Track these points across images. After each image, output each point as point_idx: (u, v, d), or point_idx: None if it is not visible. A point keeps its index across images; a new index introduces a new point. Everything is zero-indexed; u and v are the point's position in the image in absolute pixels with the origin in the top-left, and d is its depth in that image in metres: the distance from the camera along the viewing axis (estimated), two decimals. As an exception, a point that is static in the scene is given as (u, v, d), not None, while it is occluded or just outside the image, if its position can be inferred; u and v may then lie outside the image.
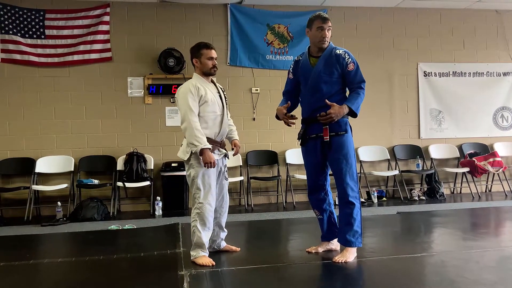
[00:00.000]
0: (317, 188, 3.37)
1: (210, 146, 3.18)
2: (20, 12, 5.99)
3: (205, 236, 3.24)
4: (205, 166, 3.17)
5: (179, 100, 3.26)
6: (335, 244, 3.44)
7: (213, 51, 3.34)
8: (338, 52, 3.21)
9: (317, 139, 3.25)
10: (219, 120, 3.32)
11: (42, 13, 6.03)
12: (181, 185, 5.91)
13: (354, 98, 3.21)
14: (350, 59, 3.19)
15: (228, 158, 3.46)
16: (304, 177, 6.07)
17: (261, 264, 3.20)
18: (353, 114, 3.19)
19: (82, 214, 5.37)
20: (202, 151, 3.14)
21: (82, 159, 6.02)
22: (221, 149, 3.35)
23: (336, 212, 3.41)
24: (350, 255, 3.18)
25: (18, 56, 5.98)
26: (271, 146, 6.54)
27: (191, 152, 3.20)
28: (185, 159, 3.26)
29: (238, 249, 3.55)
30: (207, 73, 3.35)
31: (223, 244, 3.52)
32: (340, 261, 3.13)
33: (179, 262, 3.29)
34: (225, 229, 3.50)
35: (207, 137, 3.24)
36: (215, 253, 3.45)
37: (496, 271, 2.98)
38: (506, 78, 7.18)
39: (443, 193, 6.48)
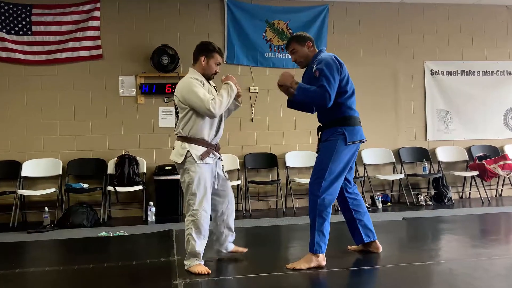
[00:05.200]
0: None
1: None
2: (6, 7, 5.98)
3: (200, 245, 3.24)
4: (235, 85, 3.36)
5: (185, 94, 3.25)
6: (372, 246, 3.58)
7: (221, 58, 3.44)
8: (313, 66, 3.34)
9: None
10: (217, 123, 3.36)
11: (29, 8, 6.03)
12: (175, 189, 5.90)
13: (309, 86, 3.29)
14: (315, 68, 3.28)
15: (222, 160, 3.48)
16: (304, 181, 6.12)
17: (259, 273, 3.21)
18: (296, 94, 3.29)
19: (71, 220, 5.36)
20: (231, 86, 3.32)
21: (70, 162, 6.02)
22: (215, 152, 3.36)
23: (364, 219, 3.54)
24: (303, 262, 3.23)
25: (3, 54, 5.97)
26: (270, 149, 6.54)
27: (186, 155, 3.23)
28: (179, 162, 3.27)
29: (246, 249, 3.63)
30: (206, 76, 3.39)
31: (231, 246, 3.58)
32: (290, 268, 3.22)
33: (173, 271, 3.29)
34: (233, 231, 3.55)
35: (202, 139, 3.27)
36: (211, 260, 3.46)
37: (507, 280, 2.99)
38: (517, 77, 7.21)
39: (451, 198, 6.49)
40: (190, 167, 3.23)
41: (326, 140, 3.34)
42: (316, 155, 3.43)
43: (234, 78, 3.40)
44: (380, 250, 3.59)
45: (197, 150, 3.24)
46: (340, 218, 3.89)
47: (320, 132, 3.48)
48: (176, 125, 3.41)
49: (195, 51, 3.39)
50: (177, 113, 3.43)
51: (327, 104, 3.21)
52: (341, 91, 3.30)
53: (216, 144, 3.39)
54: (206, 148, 3.27)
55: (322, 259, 3.24)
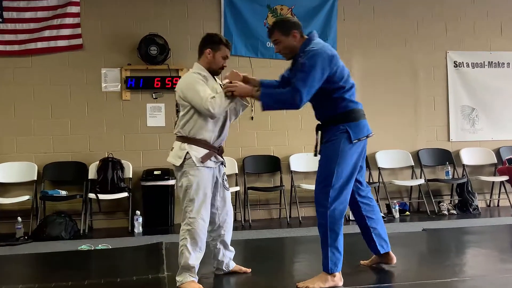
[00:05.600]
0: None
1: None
2: (-26, -9, 6.00)
3: (195, 259, 3.24)
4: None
5: (185, 90, 3.29)
6: (386, 258, 3.60)
7: (229, 51, 3.46)
8: (299, 59, 3.26)
9: None
10: (221, 123, 3.38)
11: (-1, -8, 6.05)
12: (165, 196, 5.91)
13: (274, 89, 3.37)
14: (301, 60, 3.21)
15: (225, 166, 3.51)
16: (311, 187, 6.11)
17: (260, 291, 3.21)
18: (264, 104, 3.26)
19: (47, 232, 5.36)
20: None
21: (47, 166, 6.02)
22: (218, 156, 3.38)
23: (378, 228, 3.55)
24: (318, 282, 3.20)
25: (-29, 44, 6.00)
26: (273, 151, 6.55)
27: (185, 157, 3.25)
28: (177, 165, 3.29)
29: (249, 270, 3.62)
30: (212, 71, 3.43)
31: (232, 265, 3.59)
32: (302, 287, 3.19)
33: (162, 289, 3.29)
34: (231, 248, 3.56)
35: (203, 140, 3.29)
36: (207, 277, 3.46)
37: (541, 299, 2.99)
38: (552, 70, 7.22)
39: (477, 206, 6.49)
40: (189, 170, 3.25)
41: (328, 141, 3.28)
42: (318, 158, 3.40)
43: (240, 74, 3.39)
44: (394, 261, 3.59)
45: (197, 152, 3.26)
46: (348, 229, 3.88)
47: (319, 132, 3.41)
48: (175, 124, 3.42)
49: (200, 44, 3.44)
50: (177, 111, 3.44)
51: (297, 105, 3.14)
52: (337, 87, 3.23)
53: (219, 147, 3.41)
54: (208, 151, 3.28)
55: (338, 279, 3.22)
